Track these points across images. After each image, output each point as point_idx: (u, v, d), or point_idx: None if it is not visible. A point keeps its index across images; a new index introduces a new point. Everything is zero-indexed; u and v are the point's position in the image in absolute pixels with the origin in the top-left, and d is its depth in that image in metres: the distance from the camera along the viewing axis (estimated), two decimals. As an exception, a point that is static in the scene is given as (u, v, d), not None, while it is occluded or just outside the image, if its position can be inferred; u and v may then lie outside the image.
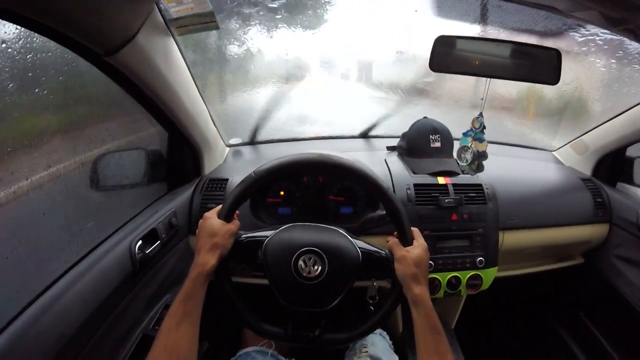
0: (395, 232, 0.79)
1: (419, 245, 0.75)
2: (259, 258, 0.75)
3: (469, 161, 1.03)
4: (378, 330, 1.06)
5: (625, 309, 1.18)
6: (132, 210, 1.01)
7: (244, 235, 0.77)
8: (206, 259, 0.69)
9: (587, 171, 1.39)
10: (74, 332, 0.66)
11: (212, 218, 0.74)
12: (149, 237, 0.92)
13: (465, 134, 1.04)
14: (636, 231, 1.17)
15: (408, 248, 0.75)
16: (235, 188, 0.75)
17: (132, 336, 0.87)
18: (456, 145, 1.14)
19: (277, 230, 0.77)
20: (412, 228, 0.78)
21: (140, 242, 0.87)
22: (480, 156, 1.03)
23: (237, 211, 0.77)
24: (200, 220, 0.75)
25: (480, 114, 0.99)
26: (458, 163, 1.16)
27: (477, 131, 1.00)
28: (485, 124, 1.00)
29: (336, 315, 0.76)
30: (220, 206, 0.76)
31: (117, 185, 1.02)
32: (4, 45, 0.63)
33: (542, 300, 1.58)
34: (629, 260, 1.21)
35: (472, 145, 1.03)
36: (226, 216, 0.74)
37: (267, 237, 0.76)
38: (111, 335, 0.79)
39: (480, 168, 1.05)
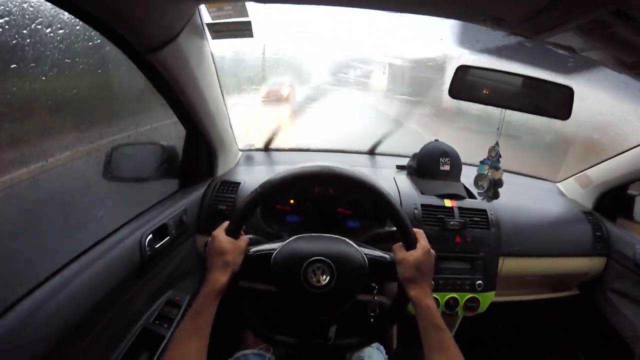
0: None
1: (420, 248, 0.76)
2: (269, 270, 0.76)
3: (485, 188, 1.06)
4: (375, 344, 1.07)
5: (617, 342, 1.20)
6: (144, 203, 1.02)
7: (252, 250, 0.78)
8: (217, 277, 0.71)
9: (588, 204, 1.42)
10: (77, 320, 0.67)
11: (220, 236, 0.75)
12: (159, 232, 0.93)
13: (482, 162, 1.07)
14: (633, 266, 1.19)
15: (410, 251, 0.76)
16: (241, 204, 0.77)
17: (132, 329, 0.87)
18: (468, 171, 1.16)
19: (285, 242, 0.78)
20: (416, 230, 0.79)
21: (150, 235, 0.89)
22: (497, 184, 1.06)
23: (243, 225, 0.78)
24: (209, 239, 0.77)
25: (497, 143, 1.02)
26: (467, 188, 1.18)
27: (493, 159, 1.03)
28: (500, 153, 1.03)
29: (341, 324, 0.78)
30: (228, 222, 0.78)
31: (131, 177, 1.03)
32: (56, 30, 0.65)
33: (535, 328, 1.59)
34: (624, 295, 1.23)
35: (489, 173, 1.06)
36: (234, 232, 0.76)
37: (275, 249, 0.77)
38: (113, 326, 0.79)
39: (496, 195, 1.08)
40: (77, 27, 0.71)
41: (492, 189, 1.07)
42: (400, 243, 0.78)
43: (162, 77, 0.81)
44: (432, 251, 0.77)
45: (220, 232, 0.76)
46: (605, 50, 0.80)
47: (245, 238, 0.78)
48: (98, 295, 0.72)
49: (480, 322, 1.23)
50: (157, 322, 0.92)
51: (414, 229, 0.78)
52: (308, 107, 1.52)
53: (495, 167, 1.05)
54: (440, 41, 1.29)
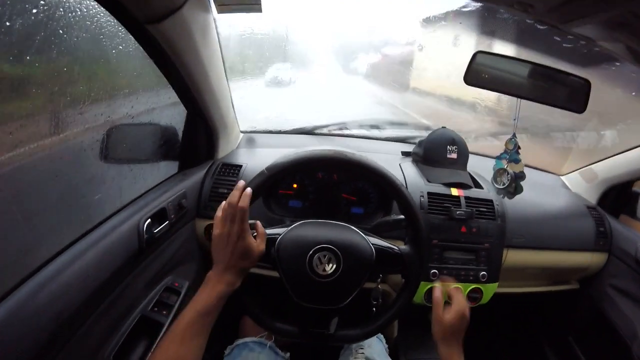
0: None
1: (456, 311, 0.77)
2: (272, 256, 0.73)
3: (506, 184, 1.03)
4: None
5: (614, 338, 1.21)
6: (142, 186, 0.98)
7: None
8: (234, 279, 0.68)
9: (592, 199, 1.41)
10: (73, 309, 0.64)
11: (248, 235, 0.68)
12: (158, 217, 0.90)
13: (499, 158, 1.04)
14: (634, 264, 1.19)
15: (448, 311, 0.77)
16: (247, 186, 0.73)
17: (130, 316, 0.84)
18: (473, 161, 1.13)
19: (290, 227, 0.76)
20: (455, 286, 0.82)
21: (149, 220, 0.85)
22: (518, 177, 1.03)
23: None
24: (241, 237, 0.68)
25: (514, 135, 0.99)
26: (473, 177, 1.15)
27: (511, 152, 1.00)
28: (519, 144, 1.00)
29: (343, 313, 0.76)
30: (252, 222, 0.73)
31: (129, 159, 0.98)
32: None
33: (534, 321, 1.60)
34: (623, 291, 1.24)
35: (508, 167, 1.03)
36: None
37: (279, 234, 0.75)
38: (110, 314, 0.77)
39: (518, 189, 1.05)
40: None
41: (514, 183, 1.04)
42: (440, 298, 0.79)
43: (163, 51, 0.76)
44: (467, 313, 0.78)
45: (249, 235, 0.69)
46: (627, 44, 0.77)
47: (263, 243, 0.72)
48: (94, 284, 0.69)
49: (481, 313, 1.22)
50: (156, 309, 0.89)
51: (453, 286, 0.81)
52: (312, 90, 1.47)
53: (515, 159, 1.01)
54: (460, 25, 1.24)
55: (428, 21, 1.45)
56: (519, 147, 1.00)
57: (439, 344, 0.76)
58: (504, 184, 1.04)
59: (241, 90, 1.29)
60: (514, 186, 1.04)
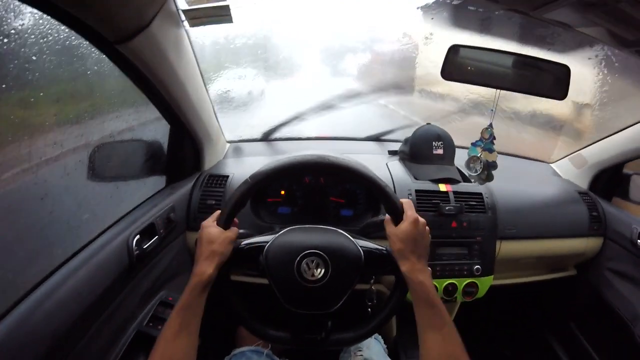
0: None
1: (407, 219, 0.71)
2: (261, 264, 0.73)
3: (479, 171, 1.03)
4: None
5: (615, 321, 1.21)
6: (130, 203, 0.98)
7: (243, 243, 0.75)
8: (204, 268, 0.67)
9: (584, 185, 1.41)
10: (67, 328, 0.64)
11: (210, 226, 0.72)
12: (147, 232, 0.90)
13: (474, 144, 1.04)
14: (630, 246, 1.19)
15: (399, 224, 0.72)
16: (232, 195, 0.73)
17: (126, 333, 0.85)
18: (460, 154, 1.14)
19: (278, 234, 0.76)
20: (403, 200, 0.75)
21: (138, 236, 0.86)
22: (490, 166, 1.04)
23: (235, 219, 0.75)
24: (199, 230, 0.73)
25: (490, 125, 0.99)
26: (461, 172, 1.15)
27: (487, 142, 1.00)
28: (495, 135, 1.00)
29: (337, 316, 0.76)
30: (219, 212, 0.74)
31: (115, 177, 0.99)
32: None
33: (535, 310, 1.60)
34: (621, 274, 1.23)
35: (482, 155, 1.03)
36: (225, 223, 0.72)
37: (267, 242, 0.74)
38: (105, 331, 0.77)
39: (489, 178, 1.05)
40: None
41: (486, 171, 1.04)
42: (389, 218, 0.74)
43: (137, 68, 0.76)
44: (422, 219, 0.72)
45: (209, 222, 0.73)
46: (604, 26, 0.77)
47: (235, 229, 0.75)
48: (87, 302, 0.69)
49: (479, 307, 1.22)
50: (151, 324, 0.90)
51: (402, 200, 0.74)
52: (295, 96, 1.47)
53: (489, 149, 1.02)
54: (432, 20, 1.24)
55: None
56: (494, 138, 1.00)
57: (399, 262, 0.70)
58: (476, 171, 1.04)
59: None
60: (486, 174, 1.05)
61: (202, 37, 0.99)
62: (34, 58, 0.69)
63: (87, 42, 0.70)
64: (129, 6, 0.63)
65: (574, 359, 1.41)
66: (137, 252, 0.84)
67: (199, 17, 0.78)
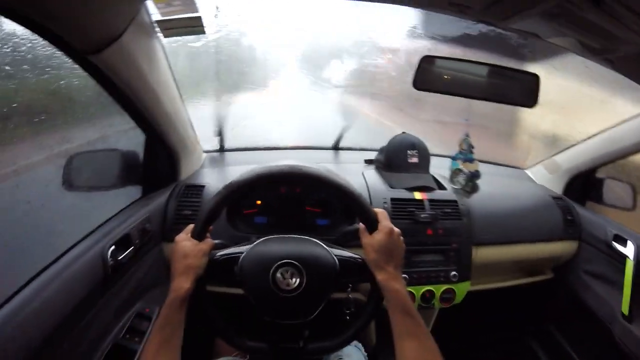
0: None
1: (381, 230, 0.72)
2: (236, 274, 0.73)
3: (463, 184, 1.04)
4: (353, 342, 1.06)
5: (594, 322, 1.23)
6: (105, 213, 0.97)
7: (219, 254, 0.75)
8: (181, 283, 0.67)
9: (558, 190, 1.44)
10: (40, 343, 0.63)
11: (183, 240, 0.71)
12: (122, 243, 0.89)
13: (454, 158, 1.05)
14: (605, 248, 1.22)
15: (374, 234, 0.72)
16: (205, 206, 0.73)
17: (102, 346, 0.83)
18: (435, 162, 1.15)
19: (252, 245, 0.76)
20: (378, 210, 0.75)
21: (113, 247, 0.84)
22: (474, 177, 1.04)
23: (210, 227, 0.75)
24: (174, 245, 0.73)
25: (467, 135, 1.01)
26: (436, 179, 1.16)
27: (465, 152, 1.02)
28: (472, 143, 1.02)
29: (316, 325, 0.76)
30: (192, 226, 0.74)
31: (90, 187, 0.98)
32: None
33: (514, 314, 1.62)
34: (597, 275, 1.26)
35: (463, 167, 1.04)
36: (199, 235, 0.72)
37: (242, 252, 0.74)
38: (81, 345, 0.76)
39: (475, 189, 1.06)
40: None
41: (470, 183, 1.05)
42: (364, 227, 0.75)
43: (110, 79, 0.76)
44: (397, 229, 0.73)
45: (182, 236, 0.73)
46: (572, 36, 0.79)
47: (209, 240, 0.74)
48: (61, 315, 0.68)
49: (458, 313, 1.23)
50: (128, 336, 0.89)
51: (376, 210, 0.75)
52: (272, 104, 1.48)
53: (470, 159, 1.03)
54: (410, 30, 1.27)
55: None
56: (472, 147, 1.02)
57: (375, 271, 0.70)
58: (461, 184, 1.05)
59: (199, 111, 1.29)
60: (471, 185, 1.06)
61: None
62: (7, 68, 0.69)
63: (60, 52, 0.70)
64: (99, 17, 0.63)
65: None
66: (112, 263, 0.83)
67: (172, 28, 0.78)
